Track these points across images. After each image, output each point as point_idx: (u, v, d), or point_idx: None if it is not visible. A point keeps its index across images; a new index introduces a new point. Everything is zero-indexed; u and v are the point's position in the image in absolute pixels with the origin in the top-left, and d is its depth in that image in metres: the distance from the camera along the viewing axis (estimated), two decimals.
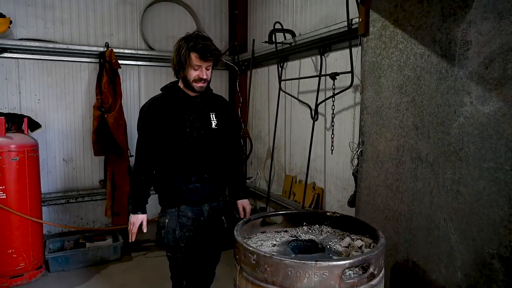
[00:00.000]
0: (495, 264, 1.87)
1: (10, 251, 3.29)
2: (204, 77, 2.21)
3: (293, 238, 1.92)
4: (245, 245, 1.61)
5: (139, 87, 4.57)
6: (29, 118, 3.62)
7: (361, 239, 1.84)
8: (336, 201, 3.47)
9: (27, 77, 3.95)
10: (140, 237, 4.48)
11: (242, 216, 2.43)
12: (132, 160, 4.37)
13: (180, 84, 2.33)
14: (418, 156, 2.30)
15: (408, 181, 2.36)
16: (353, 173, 2.88)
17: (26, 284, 3.39)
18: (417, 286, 2.30)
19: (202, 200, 2.36)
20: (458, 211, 2.05)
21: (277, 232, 2.06)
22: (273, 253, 1.52)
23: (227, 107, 2.55)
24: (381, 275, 1.59)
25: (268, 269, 1.49)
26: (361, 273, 1.54)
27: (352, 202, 2.91)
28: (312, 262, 1.43)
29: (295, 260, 1.46)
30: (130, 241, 2.43)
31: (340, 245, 1.82)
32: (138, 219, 2.37)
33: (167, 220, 2.35)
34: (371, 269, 1.51)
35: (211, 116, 2.36)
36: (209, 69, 2.24)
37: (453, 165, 2.08)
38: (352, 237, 1.88)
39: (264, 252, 1.54)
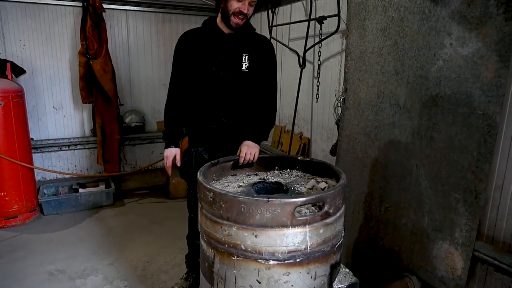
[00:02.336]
0: (459, 208, 1.88)
1: (2, 193, 3.41)
2: (245, 11, 2.03)
3: (260, 180, 1.93)
4: (203, 183, 1.62)
5: (127, 33, 4.44)
6: (12, 63, 3.58)
7: (325, 182, 1.84)
8: (321, 151, 3.47)
9: (10, 21, 3.85)
10: (134, 184, 4.63)
11: (241, 160, 2.04)
12: (121, 108, 4.37)
13: (218, 19, 2.17)
14: (396, 103, 2.24)
15: (386, 129, 2.32)
16: (336, 122, 2.84)
17: (21, 225, 3.55)
18: (388, 231, 2.34)
19: (218, 144, 2.26)
20: (430, 158, 2.03)
21: (248, 175, 2.07)
22: (228, 191, 1.53)
23: (266, 50, 2.25)
24: (338, 214, 1.60)
25: (223, 205, 1.51)
26: (316, 211, 1.55)
27: (333, 151, 2.89)
28: (264, 199, 1.44)
29: (247, 197, 1.47)
30: (168, 176, 2.48)
31: (304, 187, 1.83)
32: (171, 153, 2.28)
33: (185, 158, 2.33)
34: (326, 208, 1.52)
35: (243, 57, 2.16)
36: (252, 5, 2.06)
37: (429, 111, 2.03)
38: (318, 180, 1.88)
39: (219, 189, 1.55)
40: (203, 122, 2.27)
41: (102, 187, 4.19)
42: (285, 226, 1.46)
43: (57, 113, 4.27)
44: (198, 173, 1.75)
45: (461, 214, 1.87)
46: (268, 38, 3.89)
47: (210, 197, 1.56)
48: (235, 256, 1.54)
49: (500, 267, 1.77)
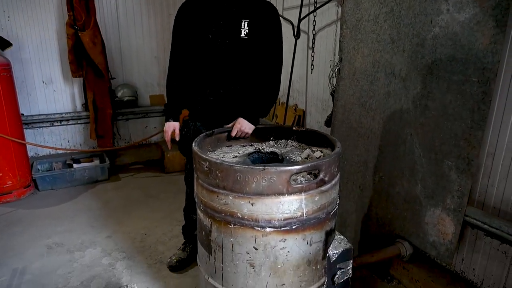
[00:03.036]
0: (452, 175, 1.91)
1: None
2: None
3: (255, 151, 1.94)
4: (199, 153, 1.62)
5: (116, 4, 4.29)
6: None
7: (321, 151, 1.85)
8: (316, 122, 3.47)
9: None
10: (128, 159, 4.61)
11: (233, 134, 2.02)
12: (113, 82, 4.29)
13: None
14: (392, 72, 2.22)
15: (381, 98, 2.31)
16: (331, 93, 2.82)
17: (16, 201, 3.55)
18: (381, 199, 2.38)
19: (215, 118, 2.18)
20: (424, 126, 2.04)
21: (243, 146, 2.07)
22: (224, 160, 1.53)
23: (268, 15, 2.09)
24: (333, 182, 1.62)
25: (219, 175, 1.52)
26: (312, 179, 1.57)
27: (328, 121, 2.89)
28: (260, 167, 1.45)
29: (244, 166, 1.47)
30: (169, 149, 2.43)
31: (300, 156, 1.84)
32: (169, 127, 2.26)
33: (183, 132, 2.31)
34: (321, 175, 1.54)
35: (243, 23, 2.03)
36: None
37: (423, 79, 2.02)
38: (313, 149, 1.89)
39: (215, 158, 1.55)
40: (201, 94, 2.21)
41: (96, 162, 4.18)
42: (281, 194, 1.48)
43: (47, 88, 4.18)
44: (193, 144, 1.74)
45: (453, 181, 1.90)
46: None
47: (206, 167, 1.56)
48: (232, 224, 1.56)
49: (490, 231, 1.83)
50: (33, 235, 2.93)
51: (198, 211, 1.75)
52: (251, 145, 2.07)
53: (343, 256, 1.79)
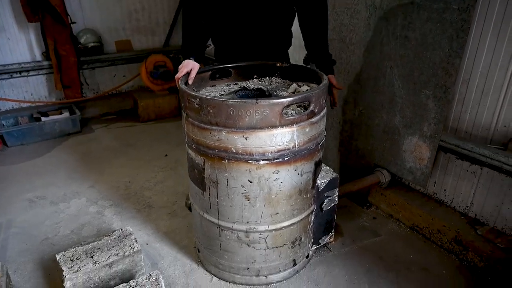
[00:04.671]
0: (429, 104, 2.00)
1: None
2: None
3: (241, 88, 1.92)
4: (188, 91, 1.59)
5: None
6: None
7: (307, 85, 1.86)
8: (293, 62, 3.43)
9: None
10: (100, 110, 4.44)
11: (334, 103, 1.99)
12: (73, 27, 3.98)
13: None
14: (372, 3, 2.20)
15: (361, 32, 2.31)
16: None
17: None
18: (361, 132, 2.48)
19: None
20: (404, 58, 2.08)
21: (227, 85, 2.04)
22: (215, 96, 1.52)
23: None
24: (322, 114, 1.67)
25: (211, 111, 1.51)
26: (302, 111, 1.60)
27: (307, 60, 2.88)
28: (253, 101, 1.45)
29: (236, 100, 1.47)
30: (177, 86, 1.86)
31: (286, 91, 1.85)
32: (188, 65, 1.83)
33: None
34: (311, 107, 1.57)
35: None
36: None
37: (405, 10, 2.02)
38: (299, 84, 1.90)
39: (206, 95, 1.54)
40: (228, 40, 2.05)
41: (66, 114, 4.00)
42: (274, 126, 1.51)
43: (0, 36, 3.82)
44: (179, 83, 1.70)
45: (430, 109, 2.00)
46: None
47: (197, 104, 1.54)
48: (226, 160, 1.59)
49: (462, 153, 1.98)
50: (13, 191, 2.85)
51: (189, 150, 1.76)
52: (236, 84, 2.04)
53: (330, 185, 1.89)
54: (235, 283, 1.91)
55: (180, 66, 1.85)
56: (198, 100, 1.54)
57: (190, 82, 1.82)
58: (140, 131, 4.03)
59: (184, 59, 1.89)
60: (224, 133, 1.53)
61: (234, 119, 1.49)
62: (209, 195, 1.74)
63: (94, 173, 3.11)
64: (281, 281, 1.92)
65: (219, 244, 1.84)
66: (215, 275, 1.96)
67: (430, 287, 1.88)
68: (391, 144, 2.27)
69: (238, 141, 1.53)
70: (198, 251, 2.08)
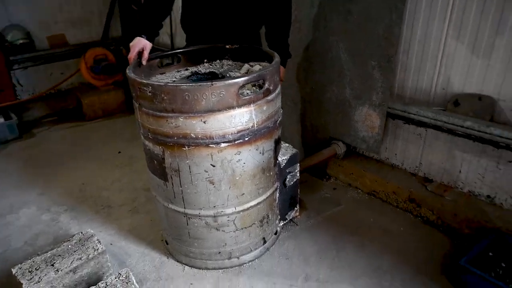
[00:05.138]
0: (375, 74, 2.10)
1: None
2: None
3: (192, 73, 1.88)
4: (138, 79, 1.52)
5: None
6: None
7: (259, 64, 1.87)
8: None
9: None
10: (40, 112, 4.13)
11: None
12: None
13: None
14: None
15: (305, 9, 2.35)
16: None
17: None
18: (314, 108, 2.55)
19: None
20: (348, 31, 2.16)
21: (178, 71, 1.99)
22: (168, 82, 1.47)
23: None
24: (277, 91, 1.68)
25: (165, 98, 1.46)
26: (257, 90, 1.60)
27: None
28: (208, 83, 1.43)
29: (191, 84, 1.44)
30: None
31: (239, 72, 1.84)
32: (139, 43, 1.75)
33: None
34: (266, 85, 1.58)
35: None
36: None
37: None
38: (251, 64, 1.89)
39: (158, 82, 1.48)
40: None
41: (1, 120, 3.66)
42: (232, 107, 1.50)
43: None
44: (127, 72, 1.62)
45: (377, 79, 2.10)
46: None
47: (149, 92, 1.49)
48: (187, 146, 1.56)
49: (408, 117, 2.11)
50: None
51: (146, 141, 1.70)
52: (186, 69, 1.99)
53: (291, 161, 1.94)
54: (208, 269, 1.91)
55: (131, 44, 1.77)
56: (150, 88, 1.48)
57: (144, 62, 1.76)
58: (88, 131, 3.81)
59: (135, 37, 1.80)
60: (181, 119, 1.49)
61: (190, 103, 1.45)
62: (172, 184, 1.70)
63: (43, 179, 2.90)
64: (253, 260, 1.95)
65: (188, 233, 1.82)
66: (186, 264, 1.95)
67: (391, 244, 2.01)
68: (344, 116, 2.36)
69: (197, 126, 1.50)
70: (167, 243, 2.04)
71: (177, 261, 1.98)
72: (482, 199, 2.04)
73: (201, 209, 1.72)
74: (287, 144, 1.99)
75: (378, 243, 2.02)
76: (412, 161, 2.31)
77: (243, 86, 1.50)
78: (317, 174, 2.65)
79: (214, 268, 1.91)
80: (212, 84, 1.42)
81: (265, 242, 1.97)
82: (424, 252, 1.94)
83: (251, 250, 1.92)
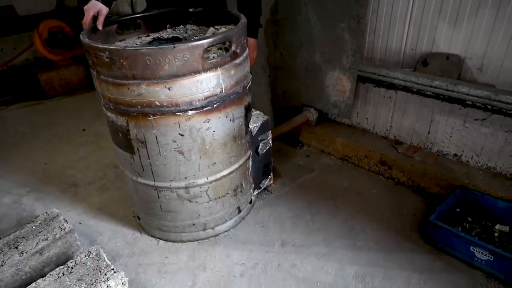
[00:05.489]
0: (345, 36, 2.05)
1: None
2: None
3: (155, 38, 1.77)
4: (93, 44, 1.40)
5: None
6: None
7: (224, 27, 1.77)
8: None
9: None
10: None
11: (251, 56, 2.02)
12: None
13: None
14: None
15: None
16: None
17: None
18: (285, 74, 2.49)
19: None
20: None
21: (139, 37, 1.86)
22: (126, 46, 1.36)
23: None
24: (244, 55, 1.61)
25: (124, 63, 1.36)
26: (224, 53, 1.52)
27: None
28: (170, 46, 1.33)
29: (151, 48, 1.34)
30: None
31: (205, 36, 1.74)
32: (94, 7, 1.61)
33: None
34: (233, 48, 1.50)
35: None
36: None
37: None
38: (217, 28, 1.80)
39: (115, 46, 1.37)
40: None
41: None
42: (198, 72, 1.42)
43: None
44: (81, 37, 1.49)
45: (347, 41, 2.06)
46: None
47: (107, 58, 1.38)
48: (152, 116, 1.48)
49: (378, 80, 2.10)
50: None
51: (108, 113, 1.60)
52: (148, 36, 1.87)
53: (263, 128, 1.89)
54: (182, 241, 1.87)
55: (85, 8, 1.63)
56: (107, 53, 1.37)
57: (99, 27, 1.64)
58: (49, 109, 3.59)
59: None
60: (144, 86, 1.40)
61: (152, 69, 1.36)
62: (140, 157, 1.63)
63: (1, 161, 2.72)
64: (228, 230, 1.93)
65: (160, 206, 1.76)
66: (160, 238, 1.90)
67: (364, 205, 2.04)
68: (314, 81, 2.32)
69: (161, 93, 1.41)
70: (139, 219, 1.98)
71: (151, 236, 1.93)
72: (449, 158, 2.09)
73: (172, 181, 1.66)
74: (258, 111, 1.94)
75: (352, 206, 2.05)
76: (382, 125, 2.33)
77: (208, 49, 1.42)
78: (290, 142, 2.63)
79: (189, 240, 1.88)
80: (174, 47, 1.33)
81: (240, 211, 1.95)
82: (397, 212, 1.99)
83: (226, 220, 1.89)
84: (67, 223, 1.74)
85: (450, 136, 2.04)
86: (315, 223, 1.95)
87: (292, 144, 2.62)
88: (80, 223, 2.07)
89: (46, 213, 1.82)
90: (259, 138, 1.90)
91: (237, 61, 1.54)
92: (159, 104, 1.44)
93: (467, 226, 1.82)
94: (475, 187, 1.88)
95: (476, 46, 1.79)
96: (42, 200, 2.29)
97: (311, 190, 2.19)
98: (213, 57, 1.49)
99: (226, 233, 1.92)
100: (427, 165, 2.06)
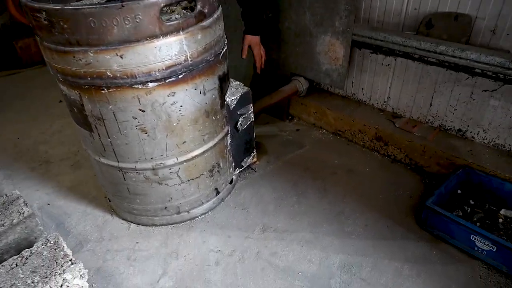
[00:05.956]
0: None
1: None
2: None
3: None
4: (29, 3, 1.17)
5: None
6: None
7: None
8: None
9: None
10: None
11: (258, 65, 2.02)
12: None
13: None
14: None
15: None
16: None
17: None
18: (271, 38, 2.24)
19: None
20: None
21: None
22: (65, 5, 1.13)
23: None
24: (215, 16, 1.37)
25: (65, 26, 1.14)
26: (189, 13, 1.29)
27: None
28: (117, 4, 1.10)
29: (94, 6, 1.11)
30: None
31: None
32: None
33: None
34: (199, 7, 1.26)
35: None
36: None
37: None
38: None
39: (53, 5, 1.14)
40: None
41: None
42: (155, 36, 1.19)
43: None
44: None
45: (340, 0, 1.79)
46: None
47: (45, 19, 1.15)
48: (106, 89, 1.27)
49: (375, 45, 1.85)
50: None
51: (61, 85, 1.39)
52: None
53: (243, 101, 1.68)
54: (155, 225, 1.73)
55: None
56: (44, 13, 1.14)
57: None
58: (24, 78, 3.36)
59: None
60: (91, 54, 1.18)
61: (98, 33, 1.14)
62: (99, 135, 1.44)
63: None
64: (205, 212, 1.77)
65: (127, 189, 1.60)
66: (132, 222, 1.75)
67: (356, 186, 1.86)
68: (305, 47, 2.08)
69: (112, 62, 1.20)
70: (109, 200, 1.83)
71: (122, 219, 1.78)
72: (452, 134, 1.88)
73: (137, 162, 1.48)
74: (237, 82, 1.72)
75: (342, 186, 1.87)
76: (379, 96, 2.10)
77: (171, 9, 1.19)
78: (279, 114, 2.42)
79: (163, 224, 1.72)
80: (122, 6, 1.10)
81: (218, 193, 1.78)
82: (391, 193, 1.81)
83: (203, 203, 1.73)
84: (27, 206, 1.58)
85: (455, 109, 1.81)
86: (300, 205, 1.78)
87: (280, 117, 2.42)
88: (48, 204, 1.92)
89: (6, 195, 1.66)
90: (239, 113, 1.70)
91: (205, 23, 1.31)
92: (111, 75, 1.23)
93: (469, 210, 1.64)
94: (480, 167, 1.68)
95: (490, 3, 1.53)
96: (12, 178, 2.13)
97: (298, 168, 2.01)
98: (175, 18, 1.26)
99: (203, 216, 1.76)
100: (427, 142, 1.86)
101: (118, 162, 1.50)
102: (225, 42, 1.53)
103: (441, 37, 1.66)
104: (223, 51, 1.49)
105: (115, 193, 1.67)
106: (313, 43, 2.01)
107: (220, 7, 1.45)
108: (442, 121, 1.89)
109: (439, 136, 1.89)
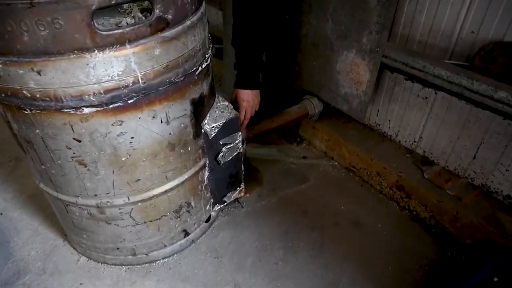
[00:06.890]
0: (370, 1, 1.36)
1: None
2: None
3: None
4: None
5: None
6: None
7: None
8: None
9: None
10: None
11: (241, 119, 1.49)
12: None
13: None
14: None
15: None
16: None
17: None
18: (282, 44, 1.84)
19: None
20: None
21: None
22: None
23: None
24: (187, 23, 1.00)
25: None
26: (144, 19, 0.93)
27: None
28: (25, 1, 0.76)
29: None
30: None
31: None
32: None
33: None
34: (157, 11, 0.90)
35: None
36: None
37: None
38: None
39: None
40: None
41: None
42: (85, 49, 0.85)
43: None
44: None
45: (372, 9, 1.36)
46: None
47: None
48: (28, 109, 0.95)
49: (411, 73, 1.42)
50: None
51: None
52: None
53: (227, 129, 1.32)
54: (107, 264, 1.43)
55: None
56: None
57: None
58: None
59: None
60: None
61: (3, 39, 0.81)
62: (32, 160, 1.14)
63: None
64: (169, 256, 1.46)
65: (72, 222, 1.30)
66: (83, 255, 1.47)
67: (360, 246, 1.48)
68: (322, 62, 1.67)
69: (27, 79, 0.87)
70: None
71: (73, 248, 1.50)
72: (498, 199, 1.44)
73: (78, 196, 1.18)
74: (225, 103, 1.36)
75: (344, 244, 1.49)
76: (410, 133, 1.67)
77: (102, 9, 0.83)
78: (286, 135, 2.04)
79: (116, 264, 1.43)
80: (32, 5, 0.76)
81: (187, 234, 1.45)
82: (404, 265, 1.42)
83: (166, 246, 1.42)
84: None
85: (506, 170, 1.37)
86: (286, 264, 1.43)
87: (287, 138, 2.04)
88: (1, 214, 1.68)
89: None
90: (221, 142, 1.34)
91: (167, 33, 0.95)
92: (29, 95, 0.90)
93: None
94: None
95: None
96: None
97: (295, 211, 1.64)
98: (126, 23, 0.91)
99: (165, 260, 1.45)
100: (463, 205, 1.43)
101: (57, 192, 1.20)
102: (208, 56, 1.16)
103: (504, 77, 1.21)
104: (201, 68, 1.13)
105: (62, 222, 1.39)
106: (333, 59, 1.60)
107: (202, 8, 1.08)
108: (487, 180, 1.45)
109: (479, 200, 1.45)
